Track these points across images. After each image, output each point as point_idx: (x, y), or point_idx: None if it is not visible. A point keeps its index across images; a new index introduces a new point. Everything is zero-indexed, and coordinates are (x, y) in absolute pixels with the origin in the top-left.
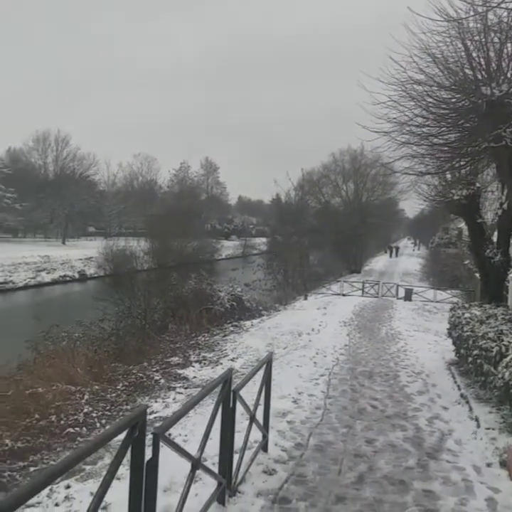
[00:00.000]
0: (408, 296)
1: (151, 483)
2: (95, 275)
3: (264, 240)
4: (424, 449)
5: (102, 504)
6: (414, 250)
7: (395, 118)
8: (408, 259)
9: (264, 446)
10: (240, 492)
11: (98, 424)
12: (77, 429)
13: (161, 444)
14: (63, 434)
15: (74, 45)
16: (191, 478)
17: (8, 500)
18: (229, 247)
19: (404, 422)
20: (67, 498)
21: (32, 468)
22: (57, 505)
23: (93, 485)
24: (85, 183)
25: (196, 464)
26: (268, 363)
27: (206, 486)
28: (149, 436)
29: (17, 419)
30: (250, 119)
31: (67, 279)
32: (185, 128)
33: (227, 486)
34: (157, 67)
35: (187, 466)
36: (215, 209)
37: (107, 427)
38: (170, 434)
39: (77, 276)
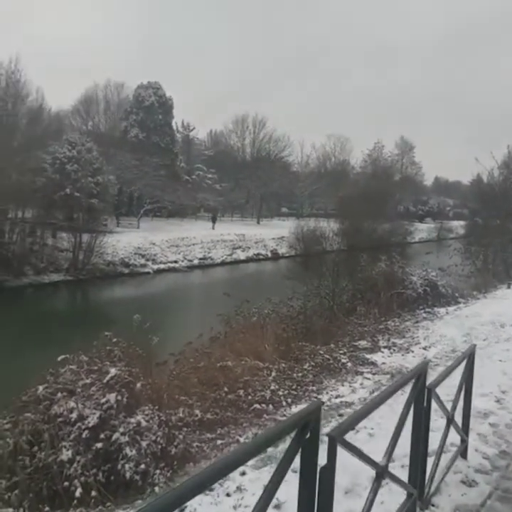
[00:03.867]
0: None
1: (325, 494)
2: (287, 254)
3: (461, 223)
4: None
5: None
6: None
7: None
8: None
9: (462, 452)
10: (433, 505)
11: (284, 403)
12: (263, 405)
13: (338, 447)
14: (250, 410)
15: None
16: (375, 489)
17: (178, 490)
18: (423, 230)
19: None
20: (239, 488)
21: (219, 441)
22: (228, 495)
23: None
24: (280, 164)
25: (382, 472)
26: (470, 356)
27: (392, 492)
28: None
29: (207, 391)
30: (458, 97)
31: (261, 257)
32: (382, 107)
33: (418, 497)
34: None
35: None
36: (409, 190)
37: (277, 424)
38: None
39: (269, 254)
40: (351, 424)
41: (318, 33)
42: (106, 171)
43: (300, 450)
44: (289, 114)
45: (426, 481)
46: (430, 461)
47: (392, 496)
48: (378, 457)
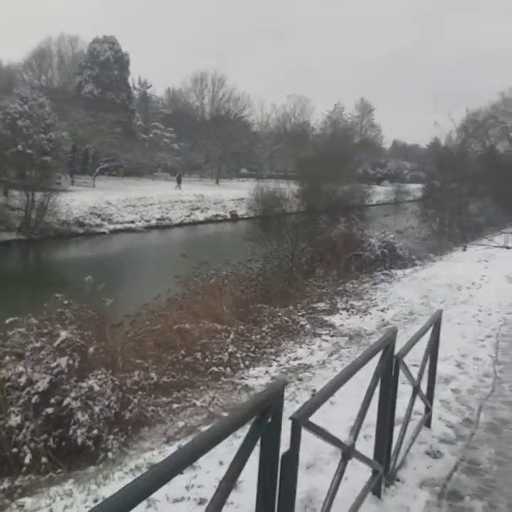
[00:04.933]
0: None
1: (287, 481)
2: (246, 216)
3: (419, 186)
4: None
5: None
6: None
7: None
8: None
9: (427, 422)
10: (398, 480)
11: (242, 365)
12: (221, 368)
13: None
14: (207, 373)
15: None
16: (342, 471)
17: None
18: (381, 192)
19: None
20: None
21: (175, 405)
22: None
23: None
24: (239, 124)
25: (348, 452)
26: (436, 323)
27: (357, 468)
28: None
29: (163, 354)
30: (423, 62)
31: (219, 218)
32: (339, 72)
33: (384, 472)
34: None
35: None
36: (368, 153)
37: (234, 411)
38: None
39: (228, 216)
40: (316, 403)
41: None
42: (59, 128)
43: (260, 437)
44: (252, 74)
45: (391, 454)
46: (395, 432)
47: (357, 471)
48: (341, 429)
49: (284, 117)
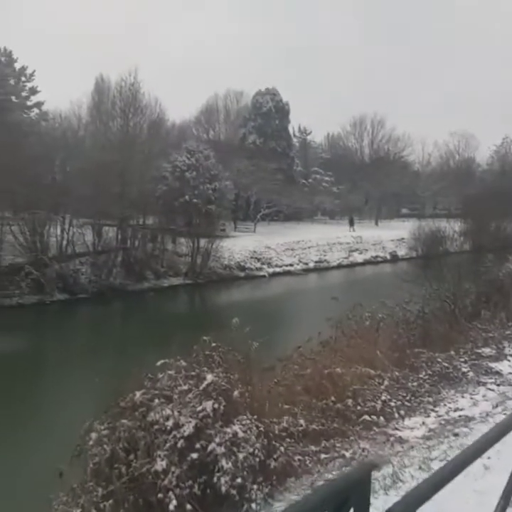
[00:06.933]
0: None
1: None
2: (406, 256)
3: None
4: None
5: None
6: None
7: None
8: None
9: None
10: None
11: (396, 415)
12: (373, 417)
13: None
14: (359, 421)
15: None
16: None
17: None
18: None
19: None
20: None
21: (323, 455)
22: None
23: None
24: (399, 164)
25: None
26: None
27: None
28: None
29: (313, 400)
30: None
31: (378, 259)
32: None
33: None
34: None
35: None
36: None
37: (305, 496)
38: None
39: (388, 256)
40: (429, 490)
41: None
42: (223, 177)
43: None
44: (411, 114)
45: None
46: None
47: None
48: None
49: (447, 155)
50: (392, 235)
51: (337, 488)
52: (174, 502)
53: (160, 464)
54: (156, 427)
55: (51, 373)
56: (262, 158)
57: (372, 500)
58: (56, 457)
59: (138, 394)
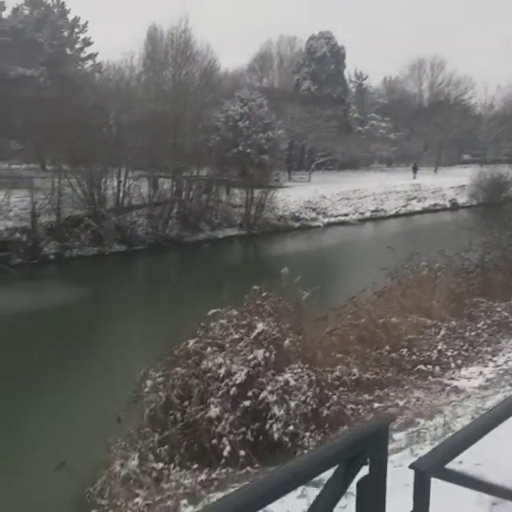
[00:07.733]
0: None
1: None
2: (467, 204)
3: None
4: None
5: None
6: None
7: None
8: None
9: None
10: None
11: (453, 365)
12: (429, 366)
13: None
14: (413, 371)
15: None
16: None
17: None
18: None
19: None
20: None
21: (376, 404)
22: None
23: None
24: (460, 108)
25: None
26: None
27: None
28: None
29: (367, 349)
30: None
31: (438, 207)
32: None
33: None
34: None
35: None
36: None
37: (312, 450)
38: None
39: (448, 205)
40: (457, 447)
41: None
42: (276, 126)
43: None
44: (472, 56)
45: None
46: None
47: None
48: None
49: (511, 97)
50: (452, 182)
51: (354, 440)
52: (228, 448)
53: (214, 411)
54: (208, 374)
55: (110, 322)
56: (316, 105)
57: (418, 450)
58: (114, 403)
59: (191, 342)
